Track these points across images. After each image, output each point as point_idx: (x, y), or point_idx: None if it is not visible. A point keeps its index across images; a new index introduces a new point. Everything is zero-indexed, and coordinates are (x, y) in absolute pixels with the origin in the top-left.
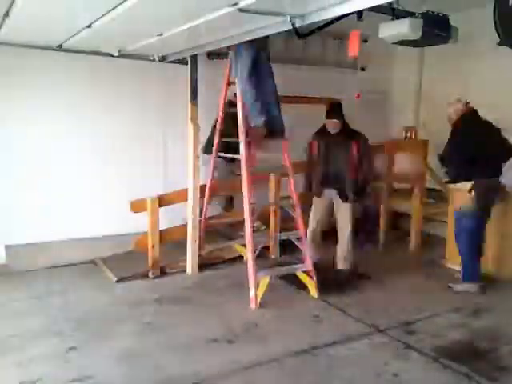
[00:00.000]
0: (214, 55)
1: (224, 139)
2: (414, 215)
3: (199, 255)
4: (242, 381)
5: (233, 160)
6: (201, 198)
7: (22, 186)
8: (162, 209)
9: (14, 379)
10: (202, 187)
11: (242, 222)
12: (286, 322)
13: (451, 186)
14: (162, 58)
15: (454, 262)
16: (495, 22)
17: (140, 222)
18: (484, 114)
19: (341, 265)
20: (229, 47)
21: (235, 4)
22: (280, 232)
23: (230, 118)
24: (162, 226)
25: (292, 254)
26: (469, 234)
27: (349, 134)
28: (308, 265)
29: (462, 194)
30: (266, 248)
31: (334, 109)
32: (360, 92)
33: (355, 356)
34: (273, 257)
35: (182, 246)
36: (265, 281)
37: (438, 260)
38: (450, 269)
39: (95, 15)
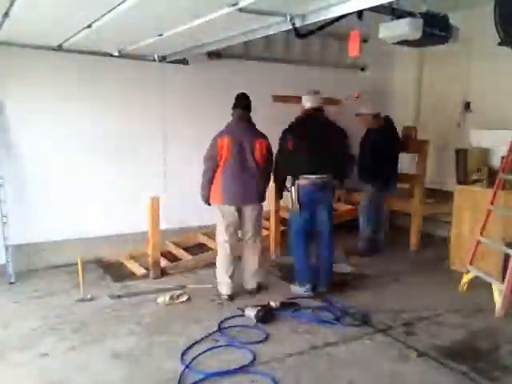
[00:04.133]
0: (214, 55)
1: None
2: (413, 215)
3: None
4: (242, 380)
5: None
6: None
7: (22, 186)
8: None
9: (12, 380)
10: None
11: None
12: (286, 321)
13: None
14: (162, 58)
15: (457, 264)
16: (496, 23)
17: (141, 222)
18: (484, 113)
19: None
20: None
21: (235, 4)
22: None
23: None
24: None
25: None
26: (295, 234)
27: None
28: None
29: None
30: None
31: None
32: (359, 92)
33: (355, 356)
34: (273, 257)
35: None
36: None
37: (437, 260)
38: (452, 270)
39: (95, 15)
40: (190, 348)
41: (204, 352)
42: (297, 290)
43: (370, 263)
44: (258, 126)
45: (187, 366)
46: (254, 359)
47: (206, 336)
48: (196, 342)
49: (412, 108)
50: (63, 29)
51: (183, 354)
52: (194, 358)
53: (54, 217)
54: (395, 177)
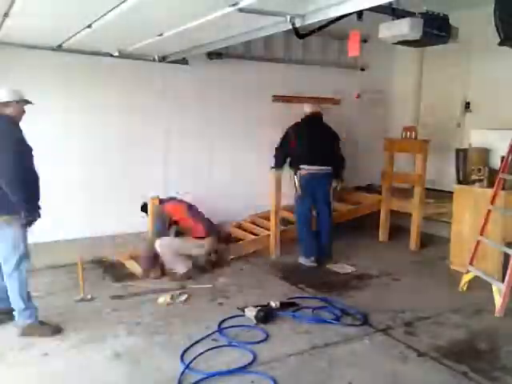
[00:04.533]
0: (214, 55)
1: None
2: (413, 215)
3: None
4: (242, 381)
5: None
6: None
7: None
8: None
9: (12, 380)
10: None
11: None
12: (286, 321)
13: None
14: (162, 58)
15: (457, 264)
16: (496, 23)
17: (140, 222)
18: (484, 113)
19: None
20: None
21: (235, 4)
22: None
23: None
24: None
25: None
26: (298, 215)
27: None
28: None
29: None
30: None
31: None
32: (359, 92)
33: (355, 356)
34: (273, 257)
35: None
36: None
37: (437, 260)
38: (452, 270)
39: (95, 15)
40: (189, 348)
41: (204, 352)
42: (303, 260)
43: (370, 263)
44: (258, 126)
45: (187, 366)
46: (254, 359)
47: (206, 336)
48: (196, 342)
49: (412, 108)
50: (63, 29)
51: (183, 354)
52: (194, 358)
53: (55, 217)
54: None
